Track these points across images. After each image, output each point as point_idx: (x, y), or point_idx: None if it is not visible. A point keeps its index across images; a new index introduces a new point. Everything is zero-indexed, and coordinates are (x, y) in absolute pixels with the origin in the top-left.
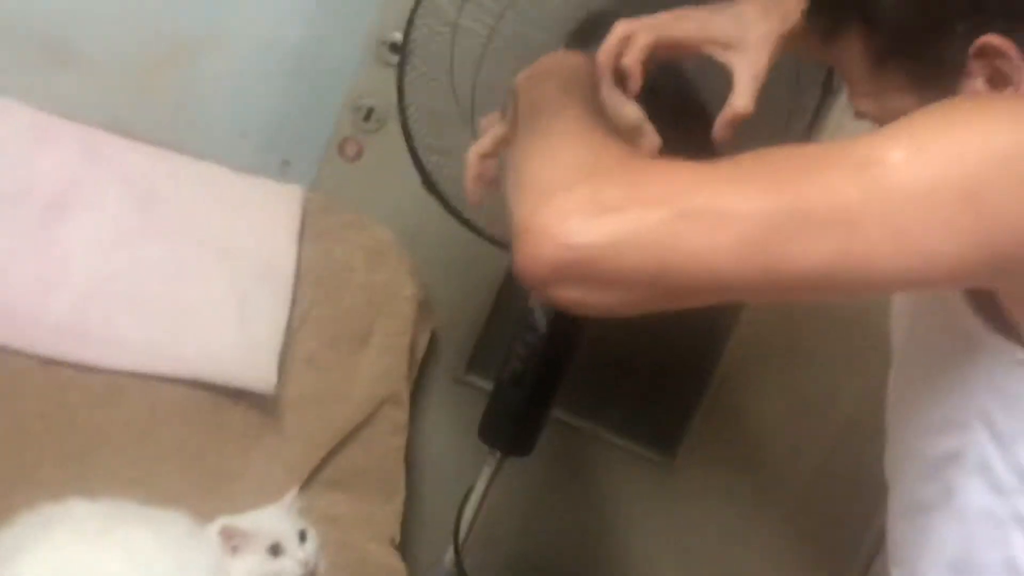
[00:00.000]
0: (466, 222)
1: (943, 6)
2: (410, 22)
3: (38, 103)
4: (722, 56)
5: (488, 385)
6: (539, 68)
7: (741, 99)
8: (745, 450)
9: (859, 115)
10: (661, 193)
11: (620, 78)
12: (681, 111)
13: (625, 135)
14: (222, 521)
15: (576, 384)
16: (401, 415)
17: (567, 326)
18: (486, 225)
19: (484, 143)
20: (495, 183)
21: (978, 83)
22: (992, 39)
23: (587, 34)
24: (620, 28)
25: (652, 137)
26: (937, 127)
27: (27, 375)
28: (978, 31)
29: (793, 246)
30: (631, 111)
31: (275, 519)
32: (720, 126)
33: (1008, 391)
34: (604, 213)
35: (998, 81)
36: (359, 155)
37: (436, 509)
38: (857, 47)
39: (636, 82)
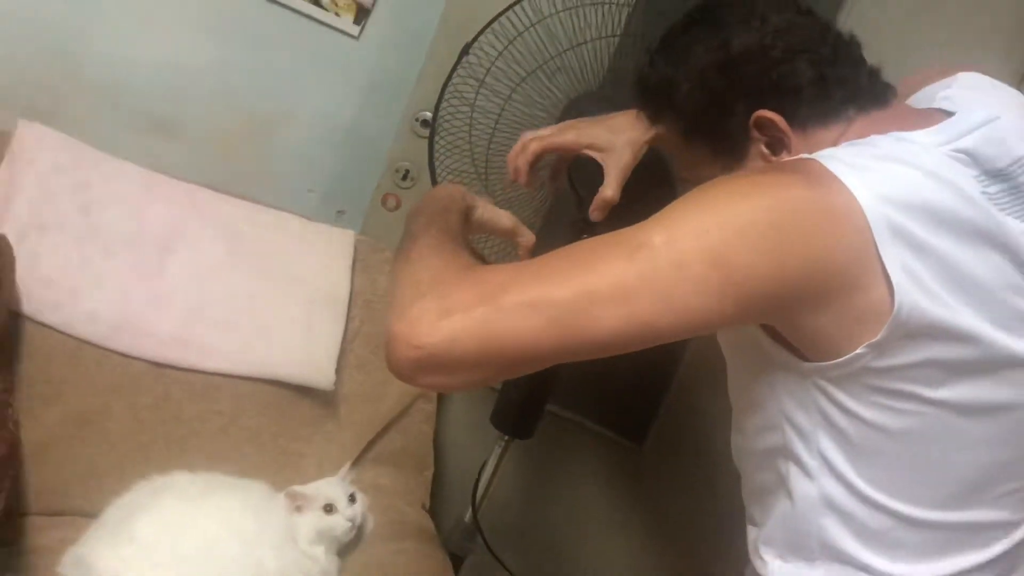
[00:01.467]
0: (480, 256)
1: (724, 90)
2: (439, 102)
3: (146, 164)
4: (597, 156)
5: (497, 384)
6: (424, 200)
7: (609, 190)
8: (700, 439)
9: (683, 182)
10: (483, 295)
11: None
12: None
13: (507, 236)
14: (287, 489)
15: (566, 384)
16: (430, 407)
17: None
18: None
19: None
20: None
21: (762, 148)
22: (764, 113)
23: (571, 112)
24: (522, 139)
25: (527, 236)
26: (688, 212)
27: (142, 376)
28: (754, 108)
29: (588, 320)
30: (505, 219)
31: (330, 487)
32: (593, 209)
33: (799, 394)
34: (441, 317)
35: (776, 146)
36: (398, 206)
37: (456, 481)
38: (671, 130)
39: (523, 178)
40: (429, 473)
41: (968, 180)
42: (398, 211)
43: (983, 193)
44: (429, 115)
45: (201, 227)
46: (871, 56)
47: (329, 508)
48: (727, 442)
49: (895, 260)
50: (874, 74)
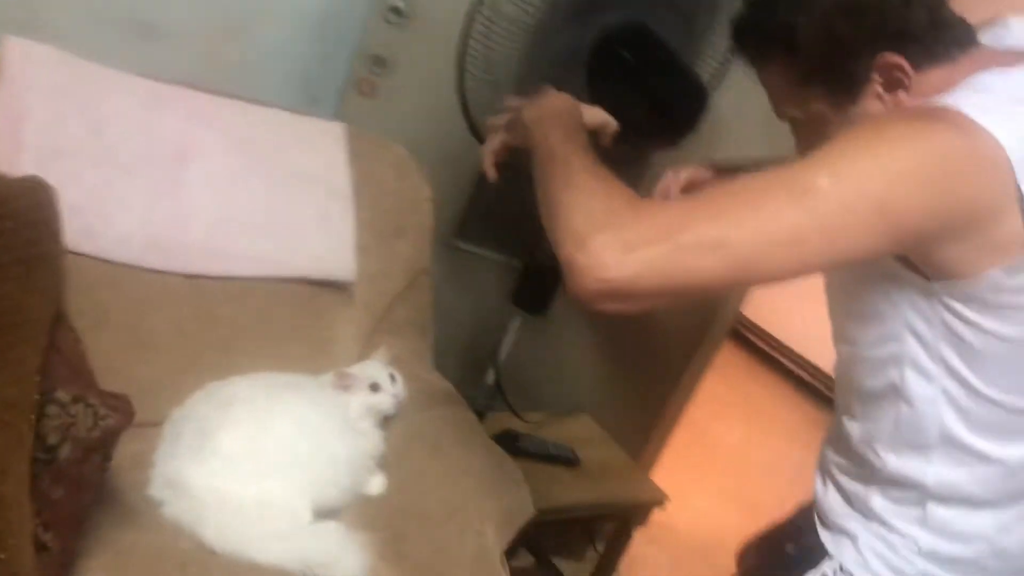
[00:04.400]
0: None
1: (850, 36)
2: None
3: (132, 69)
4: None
5: (471, 248)
6: (542, 110)
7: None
8: None
9: (783, 117)
10: (661, 232)
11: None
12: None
13: (596, 129)
14: (335, 370)
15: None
16: (429, 280)
17: None
18: None
19: (495, 145)
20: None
21: (877, 88)
22: (890, 57)
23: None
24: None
25: (612, 125)
26: (850, 156)
27: (178, 289)
28: (878, 51)
29: (762, 261)
30: (598, 114)
31: (373, 368)
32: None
33: (923, 307)
34: (625, 252)
35: (891, 85)
36: (373, 91)
37: (466, 350)
38: (782, 70)
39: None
40: (431, 337)
41: None
42: (373, 96)
43: None
44: (401, 3)
45: (208, 135)
46: None
47: (375, 387)
48: None
49: None
50: (962, 18)
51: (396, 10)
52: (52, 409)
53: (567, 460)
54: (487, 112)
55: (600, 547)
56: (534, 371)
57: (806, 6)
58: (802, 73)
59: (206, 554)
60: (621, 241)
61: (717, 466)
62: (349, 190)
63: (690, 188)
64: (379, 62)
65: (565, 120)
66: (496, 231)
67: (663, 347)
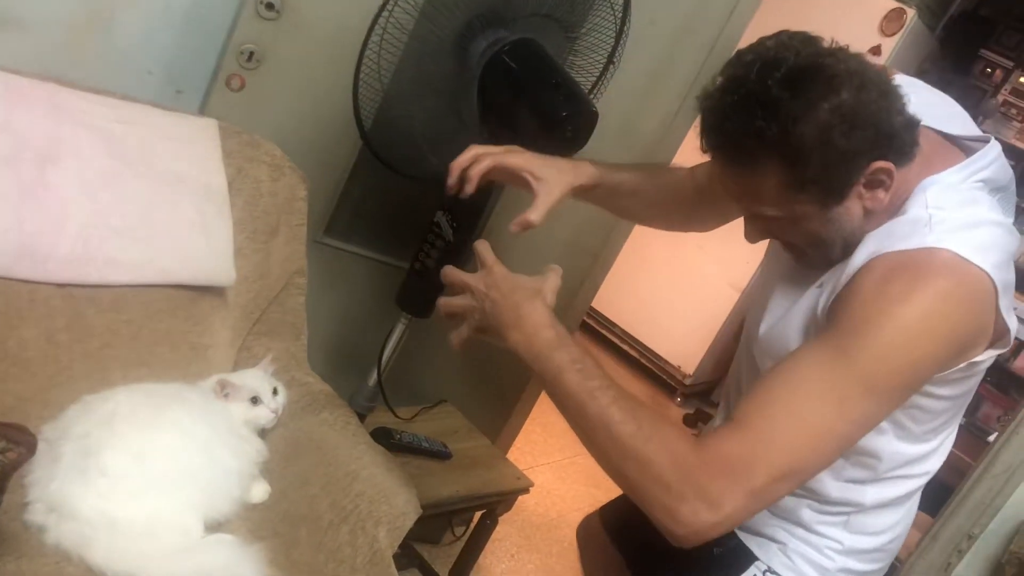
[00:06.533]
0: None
1: (852, 148)
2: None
3: None
4: (532, 183)
5: (339, 244)
6: (531, 339)
7: (534, 214)
8: None
9: (761, 217)
10: (736, 480)
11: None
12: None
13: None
14: (217, 377)
15: None
16: (303, 281)
17: (464, 236)
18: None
19: (464, 335)
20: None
21: (860, 188)
22: (882, 164)
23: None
24: (472, 150)
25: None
26: (874, 357)
27: (49, 300)
28: (873, 159)
29: (821, 462)
30: (549, 287)
31: (255, 379)
32: (515, 225)
33: None
34: (713, 512)
35: (873, 184)
36: (242, 87)
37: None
38: (775, 175)
39: (472, 187)
40: (304, 339)
41: (996, 204)
42: (243, 91)
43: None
44: None
45: (75, 133)
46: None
47: (255, 400)
48: None
49: (1004, 305)
50: (914, 114)
51: (269, 5)
52: None
53: (440, 454)
54: (378, 121)
55: (458, 531)
56: (402, 364)
57: (803, 116)
58: (798, 180)
59: None
60: (706, 503)
61: (555, 443)
62: (225, 191)
63: (498, 173)
64: (250, 57)
65: (564, 348)
66: (365, 229)
67: None
